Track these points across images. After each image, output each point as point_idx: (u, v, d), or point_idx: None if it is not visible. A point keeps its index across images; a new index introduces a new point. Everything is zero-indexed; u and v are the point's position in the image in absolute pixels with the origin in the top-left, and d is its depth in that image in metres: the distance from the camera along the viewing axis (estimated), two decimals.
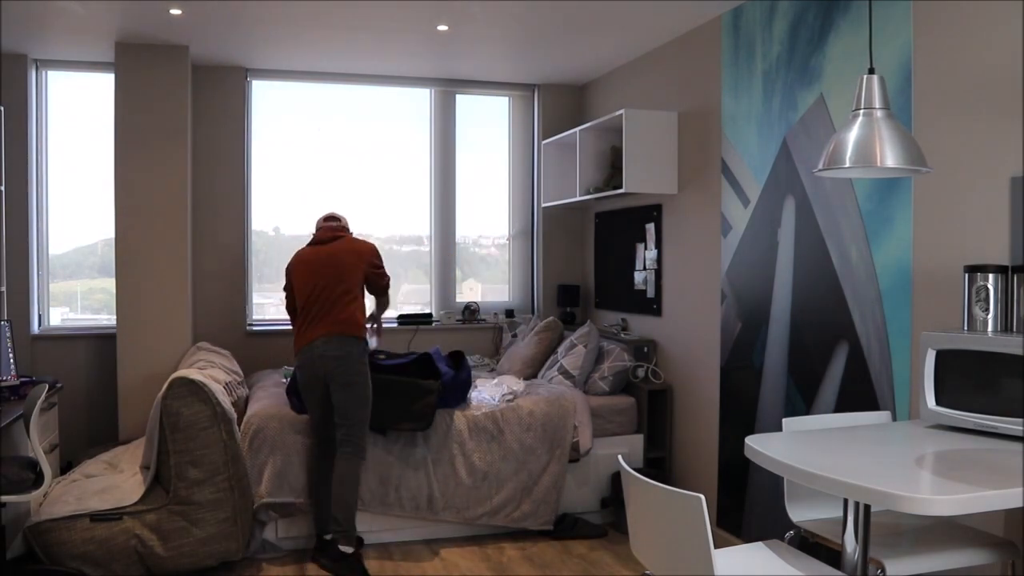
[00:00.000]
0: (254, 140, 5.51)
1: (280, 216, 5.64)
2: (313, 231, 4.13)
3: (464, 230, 5.96)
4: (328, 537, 3.90)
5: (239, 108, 5.38)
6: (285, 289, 4.13)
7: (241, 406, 4.24)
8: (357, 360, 3.89)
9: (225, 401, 3.76)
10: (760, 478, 3.83)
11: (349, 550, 3.80)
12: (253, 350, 5.41)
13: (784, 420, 2.59)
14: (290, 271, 4.07)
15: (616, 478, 4.48)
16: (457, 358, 4.48)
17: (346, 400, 3.87)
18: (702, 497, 1.83)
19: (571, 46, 4.81)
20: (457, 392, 4.28)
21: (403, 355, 4.46)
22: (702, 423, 4.34)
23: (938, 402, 2.42)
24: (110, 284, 5.11)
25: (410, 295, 5.96)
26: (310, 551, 4.03)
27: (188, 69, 4.85)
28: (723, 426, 4.15)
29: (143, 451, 3.96)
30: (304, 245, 4.12)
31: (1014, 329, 2.36)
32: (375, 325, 4.21)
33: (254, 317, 5.56)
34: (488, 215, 6.02)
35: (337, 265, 3.95)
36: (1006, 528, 2.46)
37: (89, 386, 5.16)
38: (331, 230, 4.06)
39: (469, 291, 6.03)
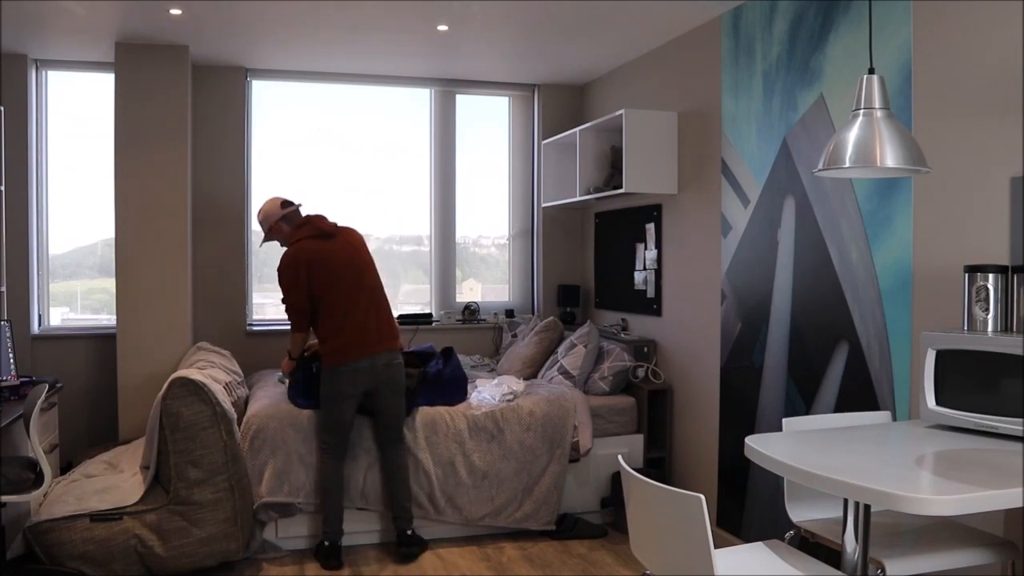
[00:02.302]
0: (254, 140, 5.52)
1: None
2: (287, 217, 3.99)
3: (464, 230, 5.96)
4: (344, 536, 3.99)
5: (239, 108, 5.39)
6: (289, 289, 3.86)
7: (241, 406, 4.24)
8: (403, 366, 4.09)
9: (225, 401, 3.76)
10: (760, 478, 3.83)
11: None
12: (253, 350, 5.42)
13: (784, 420, 2.59)
14: (306, 271, 3.83)
15: (616, 478, 4.48)
16: (447, 355, 4.49)
17: (398, 404, 4.03)
18: (702, 497, 1.83)
19: (571, 46, 4.82)
20: (450, 389, 4.28)
21: None
22: (702, 423, 4.34)
23: (938, 402, 2.42)
24: (110, 284, 5.11)
25: (410, 295, 5.95)
26: (311, 551, 4.04)
27: (188, 69, 4.85)
28: (723, 426, 4.15)
29: (143, 451, 3.96)
30: (297, 231, 3.94)
31: (1014, 329, 2.36)
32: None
33: (254, 317, 5.56)
34: (488, 215, 6.03)
35: (361, 264, 3.96)
36: (1006, 528, 2.46)
37: (89, 386, 5.17)
38: (324, 219, 4.01)
39: (469, 291, 6.04)
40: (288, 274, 3.87)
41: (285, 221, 4.02)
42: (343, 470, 3.96)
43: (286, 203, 4.05)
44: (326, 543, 3.91)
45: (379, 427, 4.03)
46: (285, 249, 4.00)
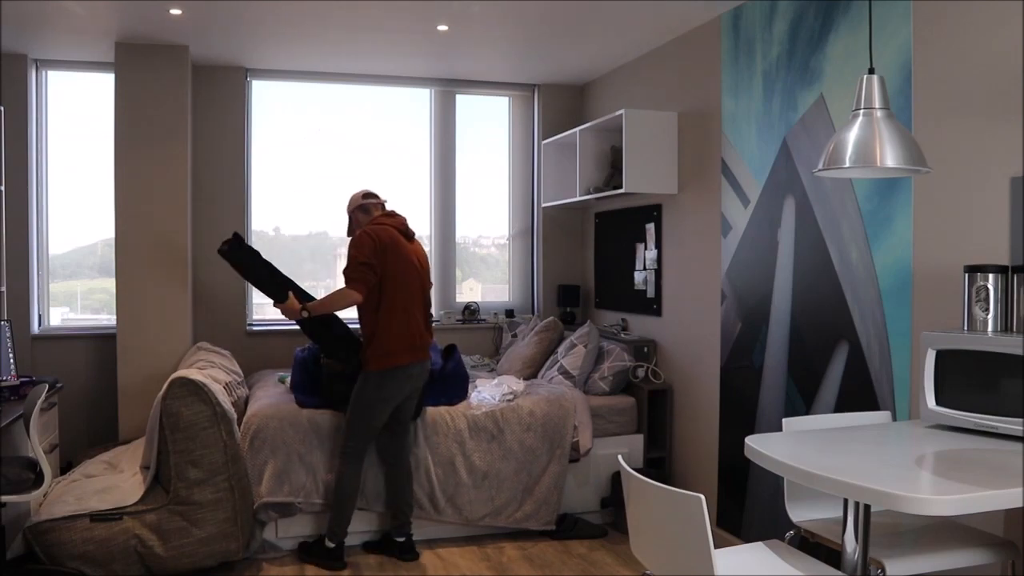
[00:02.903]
0: (254, 140, 5.51)
1: (280, 216, 5.64)
2: (364, 207, 3.99)
3: (464, 230, 5.96)
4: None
5: (239, 108, 5.39)
6: (363, 248, 3.73)
7: (241, 406, 4.24)
8: None
9: (225, 401, 3.76)
10: (760, 478, 3.83)
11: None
12: (253, 350, 5.42)
13: (784, 420, 2.59)
14: (383, 247, 3.77)
15: (616, 478, 4.48)
16: (449, 351, 4.50)
17: (413, 409, 4.07)
18: (702, 497, 1.83)
19: (571, 46, 4.82)
20: (451, 386, 4.28)
21: None
22: (702, 423, 4.34)
23: (938, 402, 2.42)
24: (110, 284, 5.11)
25: None
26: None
27: (188, 69, 4.85)
28: (723, 426, 4.15)
29: (143, 451, 3.96)
30: (380, 218, 3.92)
31: (1014, 329, 2.36)
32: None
33: (254, 317, 5.56)
34: (488, 215, 6.03)
35: (425, 274, 4.03)
36: (1006, 528, 2.46)
37: (89, 386, 5.16)
38: (405, 225, 3.98)
39: (469, 291, 6.04)
40: (367, 241, 3.76)
41: (362, 211, 4.02)
42: (361, 474, 3.94)
43: (368, 194, 4.05)
44: (330, 544, 3.90)
45: (395, 434, 4.00)
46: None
